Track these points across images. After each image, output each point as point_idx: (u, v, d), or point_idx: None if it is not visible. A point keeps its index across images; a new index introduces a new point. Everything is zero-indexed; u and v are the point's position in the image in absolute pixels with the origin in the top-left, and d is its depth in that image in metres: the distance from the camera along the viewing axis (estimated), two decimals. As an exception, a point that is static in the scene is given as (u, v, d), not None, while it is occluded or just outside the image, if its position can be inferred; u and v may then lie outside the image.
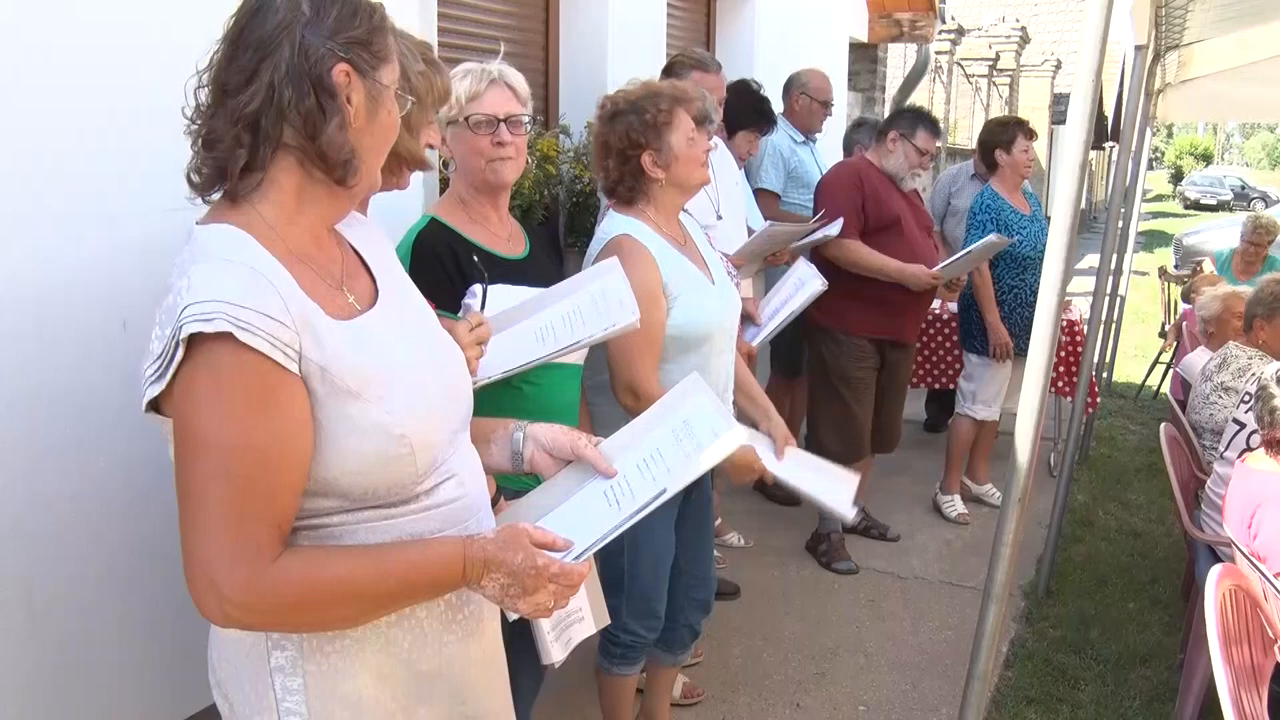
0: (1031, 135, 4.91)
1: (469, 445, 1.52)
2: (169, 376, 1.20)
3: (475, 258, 2.19)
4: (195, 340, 1.18)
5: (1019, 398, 2.08)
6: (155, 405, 1.25)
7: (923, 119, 4.39)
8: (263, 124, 1.27)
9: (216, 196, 1.33)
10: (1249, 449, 3.21)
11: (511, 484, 1.90)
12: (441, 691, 1.44)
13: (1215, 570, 2.28)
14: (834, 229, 4.18)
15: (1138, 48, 4.02)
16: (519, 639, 2.35)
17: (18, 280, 2.01)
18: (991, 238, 4.41)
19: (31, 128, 2.01)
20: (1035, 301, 4.88)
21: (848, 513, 2.79)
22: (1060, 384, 5.68)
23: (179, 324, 1.18)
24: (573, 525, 1.45)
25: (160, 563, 2.32)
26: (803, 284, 3.55)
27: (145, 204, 2.22)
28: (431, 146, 2.02)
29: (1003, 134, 4.93)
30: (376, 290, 1.43)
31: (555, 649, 2.30)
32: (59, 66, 2.05)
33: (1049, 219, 2.14)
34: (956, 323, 5.33)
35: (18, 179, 2.00)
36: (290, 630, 1.32)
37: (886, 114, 4.96)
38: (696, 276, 2.57)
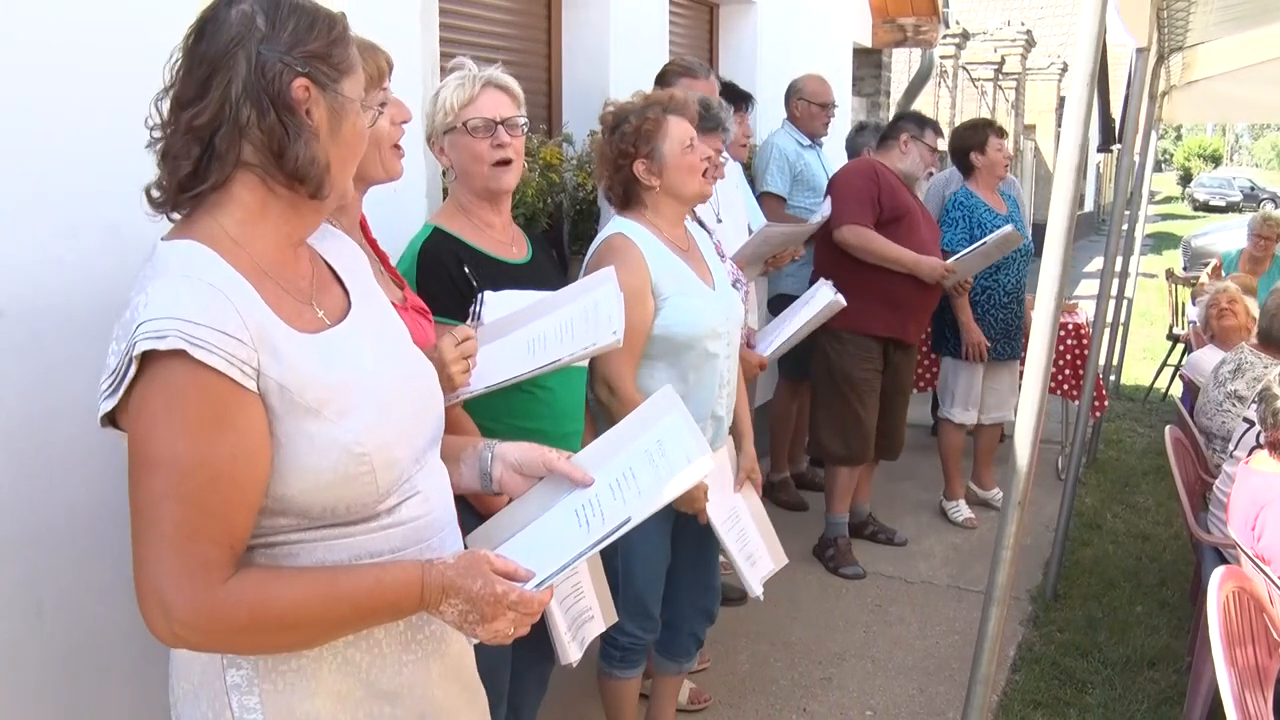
0: (1002, 134, 4.94)
1: (438, 462, 1.49)
2: (121, 392, 1.19)
3: (466, 268, 2.19)
4: (149, 357, 1.17)
5: (1013, 403, 2.07)
6: (113, 420, 1.24)
7: (927, 122, 4.46)
8: (216, 141, 1.26)
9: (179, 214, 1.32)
10: (1259, 446, 3.20)
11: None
12: (405, 712, 1.41)
13: (1218, 572, 2.28)
14: (825, 208, 4.20)
15: (1138, 50, 4.02)
16: (526, 642, 2.37)
17: (25, 289, 2.02)
18: (1007, 229, 4.41)
19: (38, 136, 2.03)
20: (1008, 302, 4.88)
21: (755, 589, 2.76)
22: (1066, 387, 5.68)
23: (132, 340, 1.17)
24: (541, 546, 1.42)
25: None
26: (815, 292, 3.56)
27: (146, 215, 2.23)
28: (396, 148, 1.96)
29: (974, 137, 4.96)
30: (349, 304, 1.42)
31: (572, 649, 2.32)
32: (66, 74, 2.06)
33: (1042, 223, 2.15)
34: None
35: (24, 187, 2.01)
36: (242, 653, 1.30)
37: (891, 119, 4.96)
38: (691, 280, 2.58)
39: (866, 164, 4.46)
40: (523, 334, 2.08)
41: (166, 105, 1.29)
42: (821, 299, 3.47)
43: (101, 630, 2.22)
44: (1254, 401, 3.43)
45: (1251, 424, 3.39)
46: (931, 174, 4.49)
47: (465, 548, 1.46)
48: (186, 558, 1.17)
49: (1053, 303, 1.94)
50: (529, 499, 1.53)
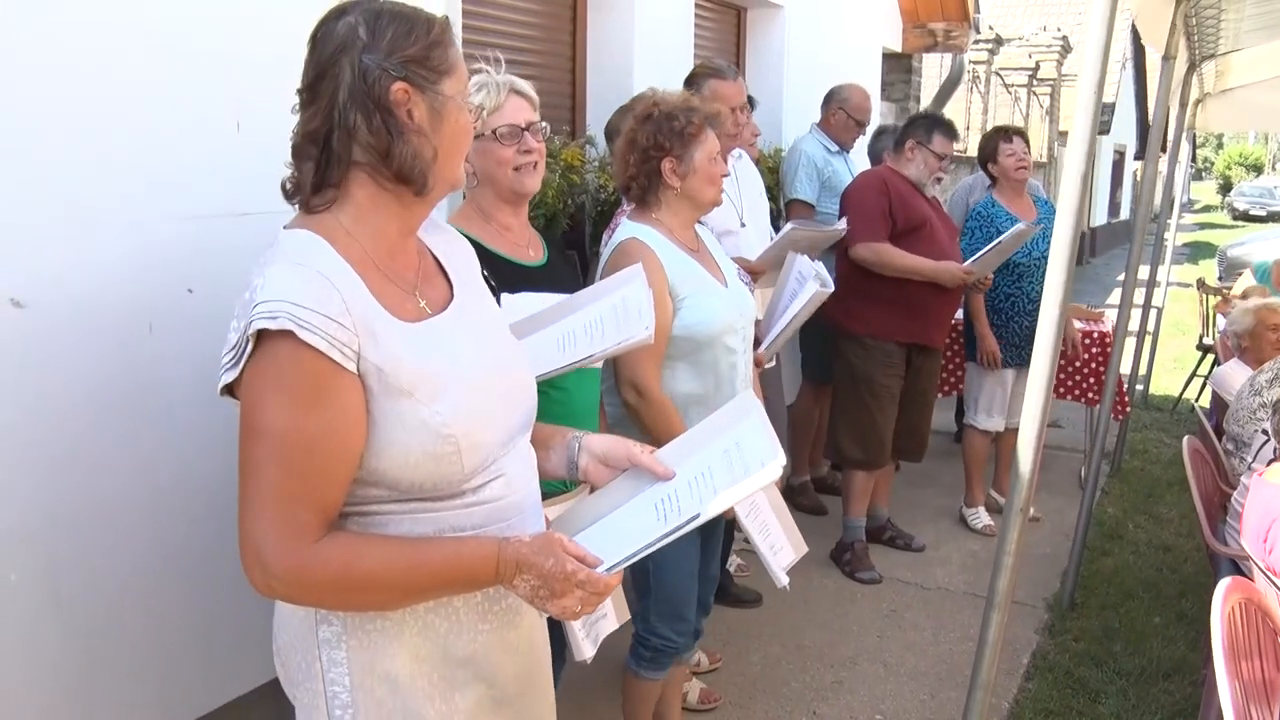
0: (1012, 137, 4.92)
1: (527, 448, 1.60)
2: (241, 366, 1.31)
3: (484, 272, 2.23)
4: (262, 335, 1.29)
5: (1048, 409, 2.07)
6: (231, 390, 1.35)
7: (938, 124, 4.42)
8: (333, 143, 1.38)
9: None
10: (1277, 459, 3.17)
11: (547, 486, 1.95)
12: (474, 676, 1.51)
13: (1224, 583, 2.26)
14: (842, 224, 4.21)
15: (1164, 59, 3.99)
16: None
17: (47, 284, 2.08)
18: (1020, 226, 4.41)
19: (61, 136, 2.08)
20: (1032, 310, 4.85)
21: (781, 579, 2.79)
22: (1091, 395, 5.65)
23: (249, 319, 1.28)
24: (619, 534, 1.49)
25: (182, 557, 2.39)
26: (803, 282, 3.52)
27: (172, 210, 2.29)
28: None
29: (987, 146, 5.00)
30: (452, 296, 1.52)
31: (586, 645, 2.36)
32: (89, 75, 2.12)
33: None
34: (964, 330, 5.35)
35: (48, 186, 2.07)
36: (327, 608, 1.41)
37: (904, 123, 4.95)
38: (706, 279, 2.61)
39: (876, 175, 4.46)
40: (551, 333, 2.13)
41: (298, 106, 1.42)
42: (809, 290, 3.45)
43: (118, 619, 2.28)
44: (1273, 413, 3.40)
45: (1269, 437, 3.36)
46: (940, 179, 4.46)
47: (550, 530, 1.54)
48: (283, 518, 1.29)
49: (1056, 310, 1.94)
50: (612, 489, 1.59)
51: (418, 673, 1.45)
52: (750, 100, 4.44)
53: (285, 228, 1.42)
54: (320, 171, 1.39)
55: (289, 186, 1.44)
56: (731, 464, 1.52)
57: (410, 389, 1.36)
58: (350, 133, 1.37)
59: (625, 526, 1.49)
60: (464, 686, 1.50)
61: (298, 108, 1.41)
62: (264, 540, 1.28)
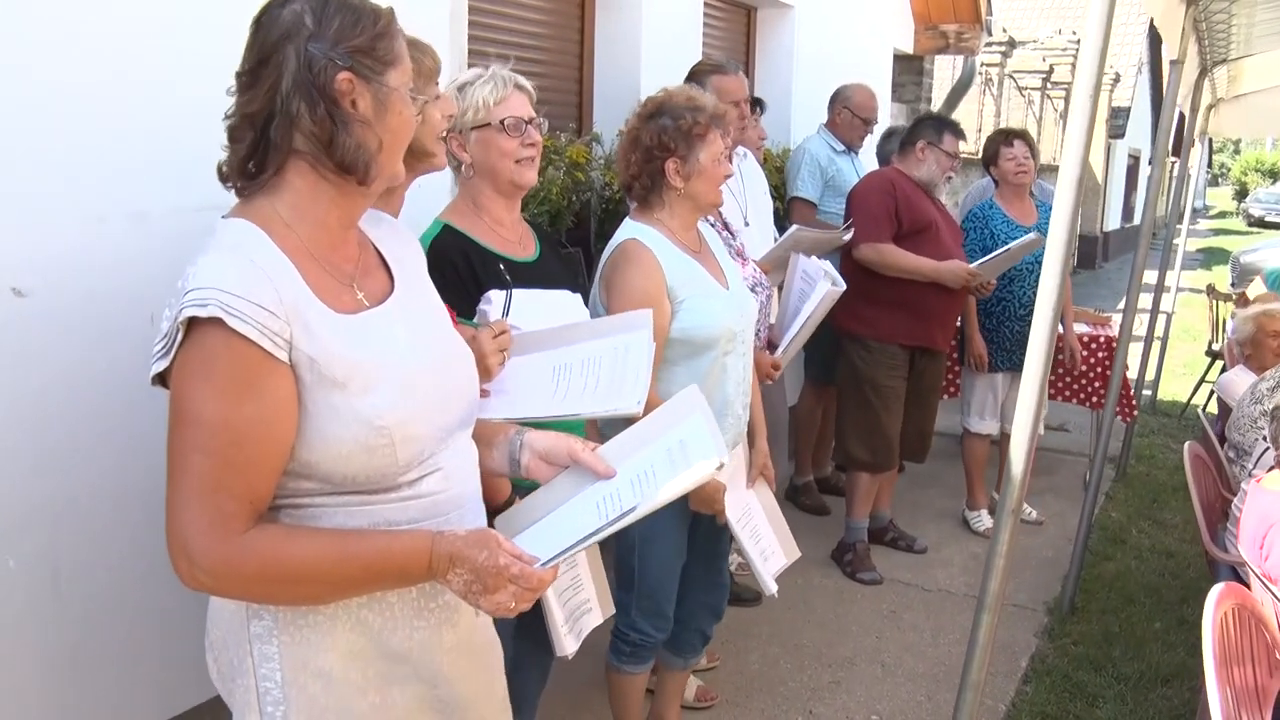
0: (1012, 141, 4.91)
1: (468, 444, 1.58)
2: (172, 354, 1.30)
3: (501, 266, 2.24)
4: (193, 323, 1.27)
5: (1044, 415, 2.07)
6: (163, 380, 1.34)
7: (946, 124, 4.44)
8: (271, 130, 1.36)
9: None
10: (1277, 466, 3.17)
11: (524, 485, 1.95)
12: (412, 674, 1.49)
13: (1217, 589, 2.27)
14: (847, 235, 4.21)
15: (1172, 63, 3.98)
16: (527, 634, 2.42)
17: (51, 275, 2.10)
18: (1030, 236, 4.40)
19: (68, 125, 2.10)
20: (1024, 314, 4.85)
21: (770, 586, 2.79)
22: (1096, 399, 5.64)
23: (180, 307, 1.28)
24: (558, 533, 1.47)
25: (181, 548, 2.40)
26: (813, 282, 3.51)
27: (174, 203, 2.31)
28: (445, 138, 2.08)
29: (989, 150, 4.99)
30: (392, 289, 1.51)
31: (569, 641, 2.36)
32: (91, 66, 2.14)
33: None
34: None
35: (50, 179, 2.09)
36: (255, 601, 1.39)
37: (912, 124, 4.95)
38: (707, 282, 2.61)
39: (883, 177, 4.46)
40: (549, 357, 2.10)
41: (236, 88, 1.41)
42: (821, 291, 3.44)
43: (115, 602, 2.30)
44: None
45: (1270, 444, 3.35)
46: (950, 178, 4.46)
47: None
48: (208, 508, 1.28)
49: (1050, 312, 1.94)
50: (554, 487, 1.59)
51: (351, 667, 1.43)
52: (759, 102, 4.45)
53: (223, 217, 1.41)
54: (254, 156, 1.38)
55: (224, 169, 1.42)
56: (674, 462, 1.51)
57: (343, 381, 1.35)
58: (292, 120, 1.35)
59: (568, 525, 1.48)
60: (402, 683, 1.48)
61: (234, 90, 1.39)
62: (190, 531, 1.27)
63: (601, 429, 2.51)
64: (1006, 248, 4.40)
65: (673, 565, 2.75)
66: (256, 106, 1.36)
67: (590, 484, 1.55)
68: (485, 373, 1.93)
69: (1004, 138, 4.97)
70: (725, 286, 2.68)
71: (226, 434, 1.27)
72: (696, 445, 1.53)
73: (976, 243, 4.67)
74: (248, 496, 1.30)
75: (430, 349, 1.51)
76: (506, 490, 2.00)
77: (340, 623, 1.42)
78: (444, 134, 2.00)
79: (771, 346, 3.64)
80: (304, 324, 1.33)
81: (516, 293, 2.26)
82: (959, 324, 5.11)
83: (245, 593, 1.36)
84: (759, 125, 4.41)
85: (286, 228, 1.38)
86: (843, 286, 3.55)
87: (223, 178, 1.43)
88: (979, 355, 4.86)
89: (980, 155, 5.20)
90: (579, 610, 2.43)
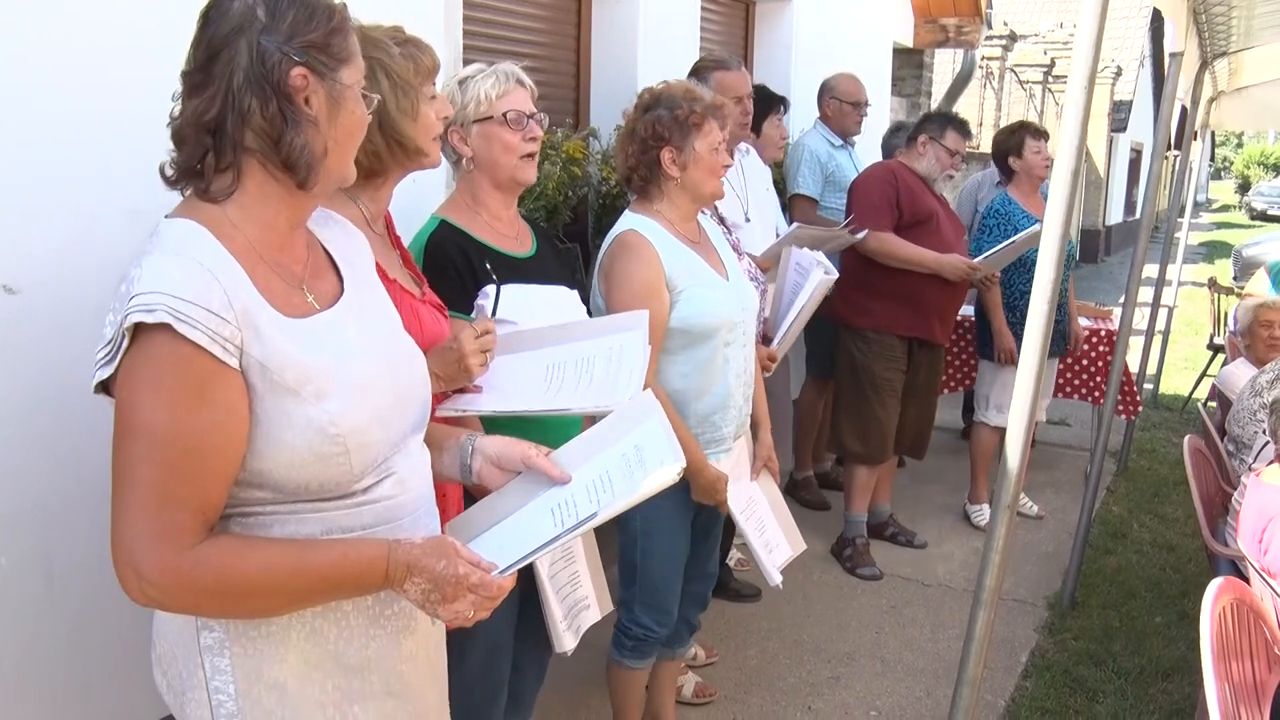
0: (1040, 135, 4.88)
1: (420, 447, 1.54)
2: (116, 362, 1.25)
3: (487, 264, 2.23)
4: (139, 329, 1.23)
5: (1042, 405, 2.06)
6: (106, 387, 1.30)
7: (951, 121, 4.42)
8: (226, 128, 1.31)
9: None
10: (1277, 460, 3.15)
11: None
12: (374, 687, 1.46)
13: (1215, 583, 2.26)
14: (860, 235, 4.19)
15: (1172, 55, 3.96)
16: (524, 632, 2.41)
17: (45, 270, 2.09)
18: (1035, 228, 4.38)
19: (59, 120, 2.09)
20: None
21: (774, 578, 2.78)
22: (1098, 394, 5.62)
23: (125, 313, 1.23)
24: (515, 540, 1.45)
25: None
26: (806, 273, 3.49)
27: (166, 202, 2.28)
28: (446, 134, 2.10)
29: (1010, 140, 4.93)
30: (342, 291, 1.47)
31: (567, 637, 2.36)
32: (87, 61, 2.13)
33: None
34: (973, 327, 5.32)
35: (44, 172, 2.08)
36: (209, 615, 1.35)
37: (918, 119, 4.93)
38: (706, 272, 2.60)
39: (885, 168, 4.45)
40: (542, 355, 2.08)
41: (181, 85, 1.36)
42: (815, 279, 3.43)
43: (109, 600, 2.28)
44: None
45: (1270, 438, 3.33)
46: (951, 176, 4.45)
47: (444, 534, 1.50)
48: (157, 521, 1.23)
49: (1045, 305, 1.93)
50: (507, 492, 1.56)
51: (309, 680, 1.39)
52: (782, 101, 4.43)
53: (167, 216, 1.36)
54: (218, 157, 1.33)
55: (170, 173, 1.36)
56: (630, 468, 1.48)
57: (296, 387, 1.30)
58: (243, 117, 1.30)
59: (523, 532, 1.46)
60: (365, 700, 1.45)
61: (179, 94, 1.34)
62: (138, 544, 1.22)
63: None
64: (1011, 240, 4.39)
65: (676, 561, 2.75)
66: (216, 109, 1.31)
67: (545, 489, 1.52)
68: (466, 372, 1.91)
69: (1030, 130, 4.91)
70: (725, 277, 2.67)
71: (177, 444, 1.23)
72: (653, 451, 1.50)
73: (1000, 239, 4.63)
74: (199, 507, 1.26)
75: (383, 352, 1.47)
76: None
77: (294, 632, 1.38)
78: (438, 135, 1.99)
79: (766, 340, 3.63)
80: (254, 328, 1.28)
81: (513, 288, 2.25)
82: (970, 318, 5.10)
83: (197, 608, 1.32)
84: (782, 125, 4.41)
85: (234, 228, 1.33)
86: (835, 274, 3.55)
87: (170, 182, 1.37)
88: (1009, 349, 4.81)
89: (991, 149, 5.15)
90: (577, 607, 2.42)
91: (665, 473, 1.45)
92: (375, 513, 1.41)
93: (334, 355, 1.36)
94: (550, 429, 2.19)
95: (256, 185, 1.35)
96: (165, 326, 1.21)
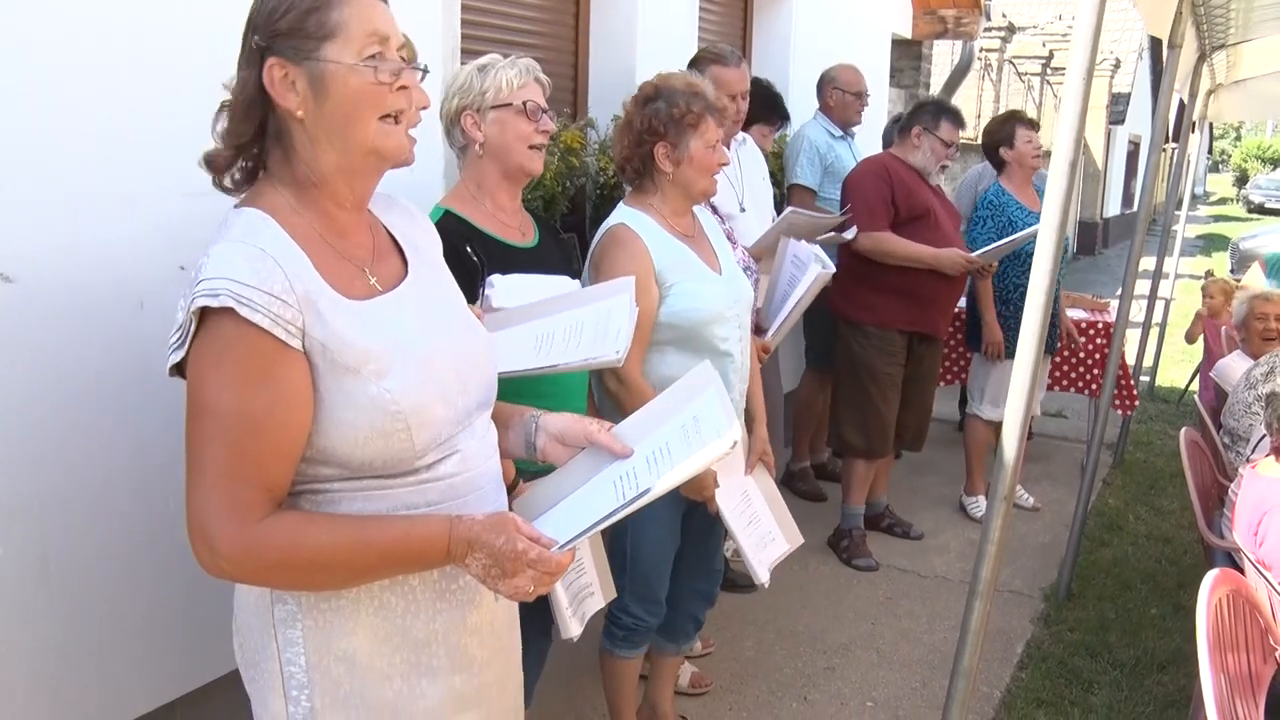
0: (1031, 125, 4.86)
1: (486, 425, 1.57)
2: (187, 345, 1.31)
3: (469, 248, 2.24)
4: (205, 314, 1.29)
5: (1040, 399, 2.06)
6: (180, 370, 1.35)
7: (944, 110, 4.39)
8: (267, 122, 1.38)
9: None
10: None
11: (528, 467, 1.94)
12: (440, 660, 1.49)
13: (1211, 575, 2.26)
14: (849, 234, 4.19)
15: (1169, 47, 3.95)
16: (525, 622, 2.41)
17: (40, 262, 2.08)
18: (1035, 228, 4.37)
19: (57, 108, 2.08)
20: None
21: (761, 576, 2.76)
22: (1095, 387, 5.63)
23: (193, 297, 1.29)
24: (577, 515, 1.46)
25: (170, 535, 2.40)
26: (804, 266, 3.49)
27: (163, 188, 2.29)
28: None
29: (1001, 131, 4.90)
30: (406, 273, 1.51)
31: (573, 624, 2.36)
32: (84, 50, 2.12)
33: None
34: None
35: (39, 161, 2.07)
36: (276, 587, 1.40)
37: (910, 109, 4.92)
38: (697, 266, 2.60)
39: (877, 163, 4.42)
40: (533, 327, 2.12)
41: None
42: (812, 273, 3.43)
43: (105, 589, 2.29)
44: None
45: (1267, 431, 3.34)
46: (945, 167, 4.43)
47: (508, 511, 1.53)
48: (227, 496, 1.29)
49: (1042, 297, 1.93)
50: (571, 468, 1.58)
51: (377, 653, 1.44)
52: (785, 118, 4.45)
53: (234, 206, 1.41)
54: (260, 148, 1.40)
55: (217, 162, 1.42)
56: (689, 439, 1.49)
57: (357, 366, 1.35)
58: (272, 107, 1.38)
59: (583, 507, 1.48)
60: (434, 675, 1.49)
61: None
62: (210, 519, 1.28)
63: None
64: (1013, 238, 4.39)
65: (665, 550, 2.75)
66: (241, 103, 1.38)
67: (607, 464, 1.54)
68: None
69: (1020, 120, 4.90)
70: (718, 271, 2.67)
71: (242, 423, 1.28)
72: (710, 421, 1.52)
73: (994, 231, 4.63)
74: (265, 484, 1.31)
75: (446, 332, 1.51)
76: (510, 474, 2.01)
77: (363, 606, 1.43)
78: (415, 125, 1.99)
79: (759, 330, 3.62)
80: (315, 311, 1.33)
81: (515, 278, 2.28)
82: (963, 310, 5.10)
83: (266, 579, 1.37)
84: (770, 137, 4.43)
85: (294, 213, 1.39)
86: (832, 269, 3.54)
87: (215, 171, 1.43)
88: (996, 343, 4.81)
89: (981, 140, 5.14)
90: (582, 593, 2.43)
91: (719, 444, 1.46)
92: (440, 490, 1.45)
93: (395, 335, 1.40)
94: (550, 400, 2.20)
95: (290, 173, 1.41)
96: (229, 311, 1.27)
